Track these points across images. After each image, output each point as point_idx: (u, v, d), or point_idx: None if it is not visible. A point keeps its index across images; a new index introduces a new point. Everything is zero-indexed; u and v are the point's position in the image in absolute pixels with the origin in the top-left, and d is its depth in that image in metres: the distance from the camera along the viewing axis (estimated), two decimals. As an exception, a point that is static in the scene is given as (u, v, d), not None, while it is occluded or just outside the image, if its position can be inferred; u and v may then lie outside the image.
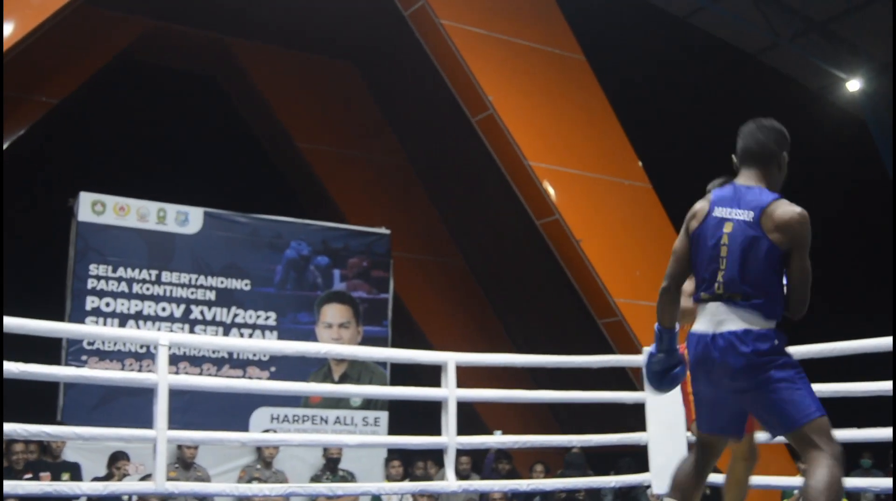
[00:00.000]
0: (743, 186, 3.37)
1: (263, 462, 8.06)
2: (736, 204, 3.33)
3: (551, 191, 9.45)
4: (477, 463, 9.10)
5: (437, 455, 7.41)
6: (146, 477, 6.91)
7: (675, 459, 6.90)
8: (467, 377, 7.08)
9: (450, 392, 6.33)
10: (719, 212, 3.35)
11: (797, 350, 5.66)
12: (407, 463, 8.82)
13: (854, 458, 9.35)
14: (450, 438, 6.30)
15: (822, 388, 6.10)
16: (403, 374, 9.11)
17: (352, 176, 12.57)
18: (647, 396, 7.00)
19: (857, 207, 11.95)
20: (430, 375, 6.73)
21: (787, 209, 3.27)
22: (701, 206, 3.43)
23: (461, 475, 8.08)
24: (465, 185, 12.68)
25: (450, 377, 6.35)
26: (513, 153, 9.52)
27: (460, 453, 7.54)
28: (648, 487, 7.23)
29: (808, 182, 11.94)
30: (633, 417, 7.40)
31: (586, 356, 7.13)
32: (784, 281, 3.30)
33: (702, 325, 3.34)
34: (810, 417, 3.21)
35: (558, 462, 9.33)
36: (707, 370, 3.30)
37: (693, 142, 12.53)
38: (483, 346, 10.08)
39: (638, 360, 7.26)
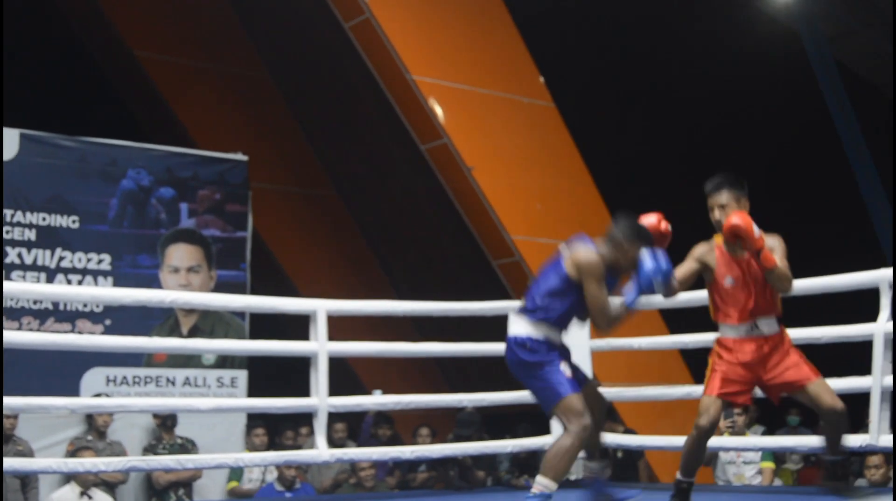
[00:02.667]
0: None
1: (96, 433, 7.93)
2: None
3: (438, 110, 9.43)
4: (353, 429, 9.14)
5: (306, 421, 7.39)
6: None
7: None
8: (341, 328, 7.08)
9: (320, 346, 6.34)
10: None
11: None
12: (272, 432, 8.80)
13: (781, 415, 9.68)
14: (320, 400, 6.32)
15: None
16: (265, 326, 9.02)
17: (202, 92, 12.32)
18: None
19: (790, 123, 12.24)
20: (297, 327, 6.71)
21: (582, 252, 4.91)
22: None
23: (335, 442, 8.09)
24: (338, 103, 12.57)
25: (320, 328, 6.36)
26: (393, 66, 9.46)
27: (333, 417, 7.55)
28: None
29: (737, 97, 12.21)
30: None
31: (479, 302, 7.18)
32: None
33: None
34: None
35: (447, 425, 9.42)
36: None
37: (603, 55, 12.64)
38: (359, 293, 10.06)
39: (539, 306, 7.35)
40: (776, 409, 9.53)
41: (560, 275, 4.88)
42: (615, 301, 4.93)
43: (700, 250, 5.15)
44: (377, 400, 7.12)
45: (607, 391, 7.34)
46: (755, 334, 5.04)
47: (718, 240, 5.12)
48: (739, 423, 7.81)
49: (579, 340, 7.08)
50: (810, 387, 5.05)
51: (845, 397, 5.29)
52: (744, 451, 7.63)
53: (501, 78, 10.02)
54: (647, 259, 4.88)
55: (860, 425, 6.56)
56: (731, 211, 4.96)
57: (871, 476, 7.21)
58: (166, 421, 8.19)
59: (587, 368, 7.11)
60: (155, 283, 8.99)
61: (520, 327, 4.93)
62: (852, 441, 5.88)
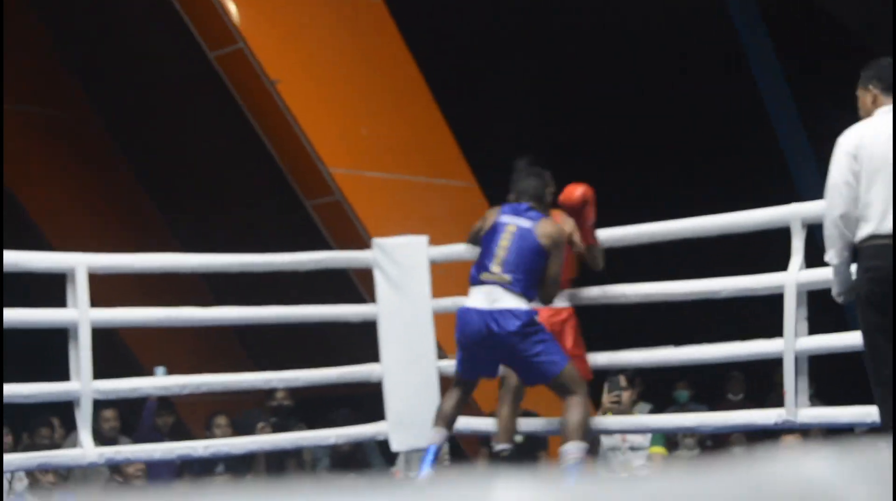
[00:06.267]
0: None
1: None
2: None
3: (231, 7, 9.26)
4: (129, 419, 9.00)
5: (66, 412, 7.21)
6: None
7: (419, 400, 7.06)
8: (109, 291, 6.93)
9: (80, 313, 6.25)
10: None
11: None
12: (20, 427, 8.68)
13: (668, 390, 9.86)
14: (83, 383, 6.22)
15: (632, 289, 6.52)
16: (7, 289, 8.75)
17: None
18: (380, 311, 7.05)
19: (691, 42, 12.40)
20: (50, 289, 6.60)
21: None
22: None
23: (104, 437, 7.92)
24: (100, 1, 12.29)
25: (80, 290, 6.26)
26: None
27: (102, 405, 7.40)
28: (384, 441, 7.33)
29: (660, 58, 12.31)
30: (361, 344, 7.46)
31: (291, 254, 7.14)
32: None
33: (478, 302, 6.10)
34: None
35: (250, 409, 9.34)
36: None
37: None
38: (133, 245, 9.87)
39: (366, 257, 7.28)
40: (663, 383, 9.73)
41: (534, 249, 6.06)
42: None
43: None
44: (158, 383, 6.99)
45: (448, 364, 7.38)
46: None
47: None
48: (625, 399, 7.88)
49: (418, 300, 7.07)
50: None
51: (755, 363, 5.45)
52: (632, 436, 7.73)
53: (313, -34, 9.91)
54: None
55: (765, 397, 6.73)
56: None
57: None
58: None
59: (430, 339, 7.13)
60: None
61: (509, 300, 6.00)
62: (764, 416, 6.10)
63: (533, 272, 6.08)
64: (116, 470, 8.09)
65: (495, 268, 6.04)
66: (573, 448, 5.87)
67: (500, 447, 6.43)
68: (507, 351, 6.01)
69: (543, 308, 6.36)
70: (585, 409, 6.00)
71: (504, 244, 6.07)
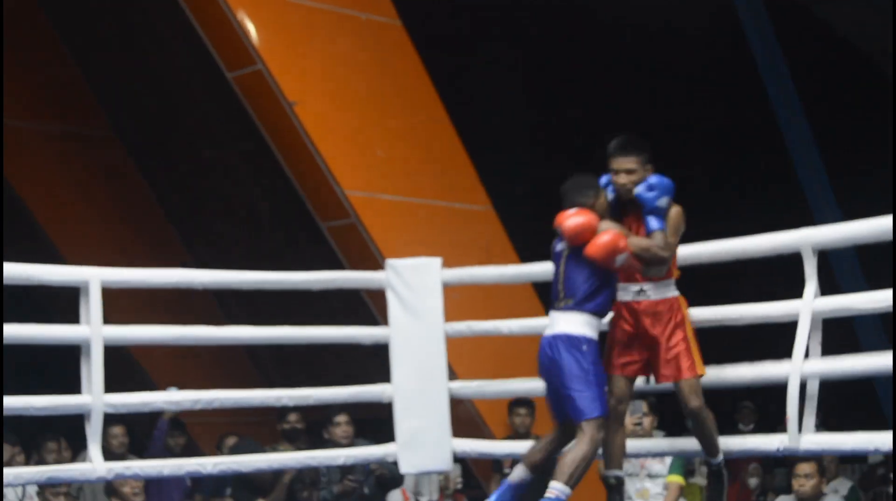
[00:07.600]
0: None
1: None
2: None
3: (251, 28, 9.31)
4: (139, 437, 9.01)
5: (75, 429, 7.21)
6: None
7: (429, 422, 7.08)
8: (121, 306, 6.96)
9: (93, 330, 6.25)
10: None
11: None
12: (29, 444, 8.67)
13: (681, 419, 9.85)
14: (94, 398, 6.21)
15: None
16: (18, 303, 8.79)
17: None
18: (392, 333, 7.08)
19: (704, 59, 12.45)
20: (62, 304, 6.54)
21: None
22: None
23: (114, 453, 7.93)
24: (119, 21, 12.34)
25: (93, 305, 6.26)
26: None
27: (111, 420, 7.40)
28: (393, 464, 7.34)
29: (677, 86, 12.39)
30: (373, 365, 7.48)
31: (303, 273, 7.17)
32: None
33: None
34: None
35: (262, 437, 9.33)
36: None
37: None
38: (145, 260, 9.88)
39: (379, 278, 7.30)
40: (678, 414, 9.71)
41: (577, 264, 5.67)
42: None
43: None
44: (170, 397, 6.97)
45: (468, 386, 7.40)
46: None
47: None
48: (647, 425, 7.88)
49: (430, 322, 7.09)
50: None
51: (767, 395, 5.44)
52: (651, 462, 7.70)
53: (332, -10, 9.94)
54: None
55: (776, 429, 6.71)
56: (637, 178, 5.66)
57: (799, 486, 7.37)
58: None
59: (441, 361, 7.16)
60: None
61: (571, 324, 5.66)
62: (766, 442, 6.15)
63: (589, 286, 5.68)
64: (114, 493, 8.08)
65: (560, 294, 5.75)
66: (554, 487, 5.41)
67: (613, 473, 5.90)
68: (556, 377, 5.66)
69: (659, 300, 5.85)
70: (589, 453, 5.53)
71: (561, 270, 5.75)
